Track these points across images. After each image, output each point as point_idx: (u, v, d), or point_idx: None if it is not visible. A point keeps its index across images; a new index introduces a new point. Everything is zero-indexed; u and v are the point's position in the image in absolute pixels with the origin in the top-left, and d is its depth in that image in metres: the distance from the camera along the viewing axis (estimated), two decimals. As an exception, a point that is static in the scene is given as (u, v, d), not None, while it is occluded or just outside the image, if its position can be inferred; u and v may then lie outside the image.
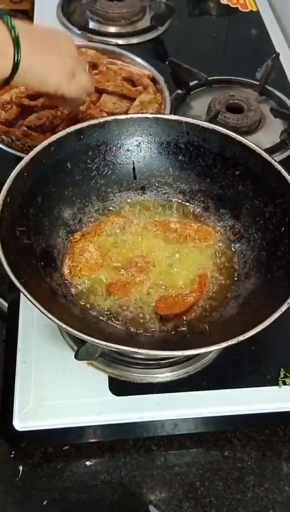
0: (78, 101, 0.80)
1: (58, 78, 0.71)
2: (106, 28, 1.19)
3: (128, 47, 1.11)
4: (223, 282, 0.69)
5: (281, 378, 0.68)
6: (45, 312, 0.52)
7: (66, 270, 0.68)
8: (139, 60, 1.02)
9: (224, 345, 0.53)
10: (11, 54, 0.65)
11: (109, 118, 0.71)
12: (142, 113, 0.82)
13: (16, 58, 0.65)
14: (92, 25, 1.18)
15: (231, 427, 0.68)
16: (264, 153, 0.68)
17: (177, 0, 1.26)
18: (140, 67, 1.01)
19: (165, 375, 0.68)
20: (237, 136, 0.70)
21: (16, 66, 0.66)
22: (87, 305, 0.66)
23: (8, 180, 0.61)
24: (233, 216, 0.73)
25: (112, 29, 1.19)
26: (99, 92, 0.94)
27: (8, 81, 0.68)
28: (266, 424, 0.69)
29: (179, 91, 1.03)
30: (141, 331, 0.64)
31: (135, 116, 0.73)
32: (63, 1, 1.23)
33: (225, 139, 0.71)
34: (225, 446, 0.67)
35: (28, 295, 0.53)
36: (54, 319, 0.52)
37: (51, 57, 0.70)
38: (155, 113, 0.82)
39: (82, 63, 0.80)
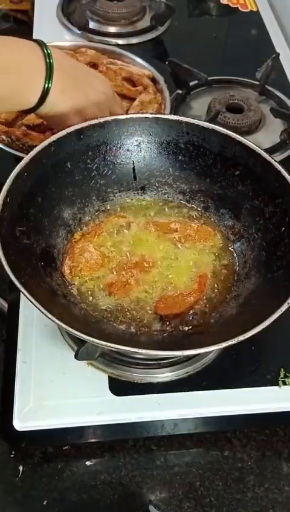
0: None
1: (78, 121, 0.69)
2: (106, 28, 1.18)
3: (128, 47, 1.11)
4: (223, 282, 0.69)
5: (281, 378, 0.68)
6: (45, 312, 0.52)
7: (66, 270, 0.68)
8: (139, 60, 1.02)
9: (224, 345, 0.53)
10: (41, 81, 0.63)
11: (109, 118, 0.71)
12: (142, 113, 0.82)
13: (45, 86, 0.63)
14: (92, 25, 1.18)
15: (231, 427, 0.68)
16: (264, 153, 0.68)
17: (177, 0, 1.26)
18: (140, 67, 1.00)
19: (165, 375, 0.68)
20: (237, 136, 0.70)
21: (43, 96, 0.64)
22: (87, 305, 0.66)
23: (8, 180, 0.61)
24: (233, 216, 0.73)
25: (112, 29, 1.18)
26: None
27: (32, 110, 0.66)
28: (266, 424, 0.69)
29: (179, 91, 1.03)
30: (141, 331, 0.64)
31: (135, 116, 0.73)
32: (63, 1, 1.23)
33: (225, 139, 0.71)
34: (225, 446, 0.67)
35: (28, 295, 0.53)
36: (54, 319, 0.52)
37: (78, 96, 0.68)
38: (155, 113, 0.82)
39: (117, 100, 0.78)
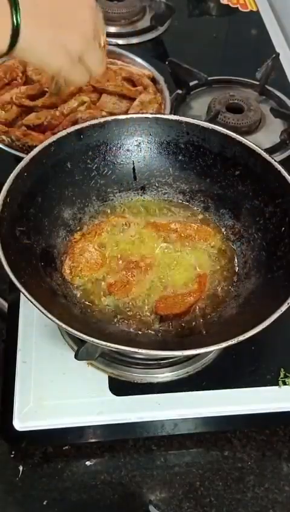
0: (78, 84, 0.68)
1: (62, 59, 0.57)
2: (106, 28, 1.18)
3: (128, 47, 1.11)
4: (223, 282, 0.69)
5: (281, 378, 0.68)
6: (45, 312, 0.52)
7: (66, 270, 0.68)
8: (139, 60, 1.02)
9: (224, 345, 0.53)
10: (7, 16, 0.50)
11: (109, 118, 0.71)
12: (142, 113, 0.82)
13: (14, 23, 0.51)
14: (92, 25, 1.18)
15: (231, 427, 0.68)
16: (264, 153, 0.68)
17: (177, 0, 1.26)
18: (140, 67, 1.01)
19: (165, 375, 0.68)
20: (237, 136, 0.70)
21: (14, 35, 0.52)
22: (87, 305, 0.66)
23: (8, 180, 0.61)
24: (233, 216, 0.73)
25: (112, 29, 1.18)
26: (99, 92, 0.95)
27: (6, 53, 0.54)
28: (266, 424, 0.69)
29: (179, 91, 1.03)
30: (141, 331, 0.64)
31: (135, 116, 0.73)
32: (63, 1, 1.23)
33: (225, 139, 0.71)
34: (225, 446, 0.67)
35: (28, 295, 0.53)
36: (54, 319, 0.52)
37: (59, 30, 0.55)
38: (155, 113, 0.82)
39: (98, 34, 0.61)
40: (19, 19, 0.51)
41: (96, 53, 0.61)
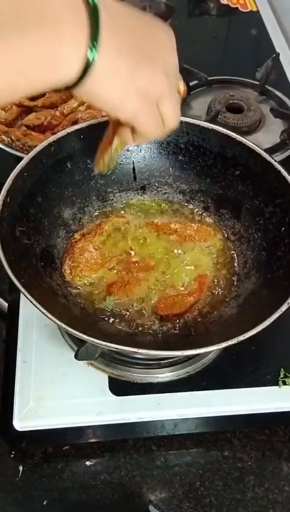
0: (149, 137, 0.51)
1: (139, 104, 0.45)
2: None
3: (128, 47, 1.11)
4: (223, 282, 0.69)
5: (281, 378, 0.68)
6: (45, 312, 0.52)
7: (66, 270, 0.68)
8: (139, 60, 1.02)
9: (224, 345, 0.53)
10: (83, 45, 0.39)
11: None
12: (142, 113, 0.82)
13: (90, 57, 0.40)
14: (92, 25, 1.18)
15: (231, 427, 0.68)
16: (264, 153, 0.68)
17: (177, 0, 1.26)
18: (140, 67, 1.00)
19: (165, 375, 0.68)
20: (237, 136, 0.70)
21: (86, 67, 0.40)
22: (87, 305, 0.66)
23: (8, 180, 0.61)
24: (233, 216, 0.73)
25: (112, 29, 1.18)
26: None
27: (70, 87, 0.42)
28: (266, 424, 0.69)
29: (179, 91, 1.03)
30: (141, 331, 0.64)
31: (135, 116, 0.73)
32: (63, 1, 1.23)
33: (225, 139, 0.71)
34: (225, 446, 0.67)
35: (28, 295, 0.53)
36: (54, 319, 0.52)
37: (139, 67, 0.43)
38: (155, 113, 0.82)
39: (177, 82, 0.50)
40: (95, 56, 0.40)
41: (175, 100, 0.49)
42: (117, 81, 0.43)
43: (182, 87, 0.51)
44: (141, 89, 0.44)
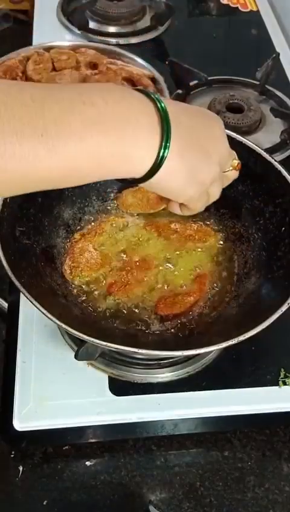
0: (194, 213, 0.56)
1: (194, 192, 0.50)
2: (106, 28, 1.18)
3: (128, 47, 1.11)
4: (223, 282, 0.69)
5: (281, 378, 0.68)
6: (45, 312, 0.52)
7: (66, 270, 0.68)
8: (139, 60, 1.02)
9: (224, 345, 0.53)
10: (155, 147, 0.44)
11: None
12: (142, 113, 0.82)
13: (160, 154, 0.44)
14: (92, 24, 1.18)
15: (231, 427, 0.68)
16: (264, 153, 0.68)
17: (177, 0, 1.26)
18: (140, 67, 1.01)
19: (165, 375, 0.68)
20: (237, 136, 0.70)
21: (156, 166, 0.45)
22: (87, 305, 0.66)
23: (8, 180, 0.61)
24: (233, 216, 0.73)
25: (112, 29, 1.18)
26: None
27: (138, 181, 0.47)
28: (266, 424, 0.69)
29: (179, 91, 1.03)
30: (141, 331, 0.64)
31: (135, 116, 0.73)
32: (63, 1, 1.23)
33: (225, 139, 0.71)
34: (225, 446, 0.67)
35: (28, 295, 0.53)
36: (54, 319, 0.52)
37: (199, 163, 0.48)
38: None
39: (228, 165, 0.55)
40: (166, 153, 0.45)
41: (222, 182, 0.55)
42: (180, 177, 0.48)
43: (237, 165, 0.56)
44: (199, 180, 0.50)
